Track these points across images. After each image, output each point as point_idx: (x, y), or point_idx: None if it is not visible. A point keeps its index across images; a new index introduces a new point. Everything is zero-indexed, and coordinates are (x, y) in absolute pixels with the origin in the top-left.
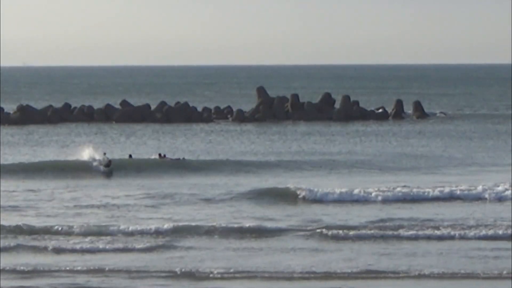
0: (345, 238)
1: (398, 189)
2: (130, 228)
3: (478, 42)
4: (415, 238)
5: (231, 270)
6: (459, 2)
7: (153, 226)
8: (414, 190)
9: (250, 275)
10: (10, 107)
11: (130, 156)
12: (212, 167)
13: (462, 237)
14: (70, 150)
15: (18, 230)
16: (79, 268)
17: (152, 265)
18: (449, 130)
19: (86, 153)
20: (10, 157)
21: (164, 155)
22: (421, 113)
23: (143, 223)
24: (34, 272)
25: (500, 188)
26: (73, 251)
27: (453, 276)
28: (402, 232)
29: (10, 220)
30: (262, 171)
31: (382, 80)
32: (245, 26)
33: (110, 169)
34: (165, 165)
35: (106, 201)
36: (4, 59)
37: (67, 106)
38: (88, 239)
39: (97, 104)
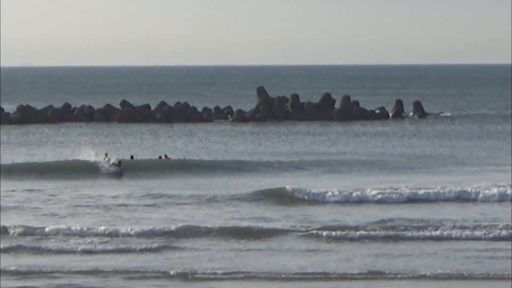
0: (342, 239)
1: (397, 189)
2: (129, 229)
3: (478, 42)
4: (414, 238)
5: (229, 271)
6: (459, 2)
7: (151, 227)
8: (413, 190)
9: (247, 276)
10: (10, 107)
11: (132, 157)
12: (211, 167)
13: (461, 238)
14: (70, 151)
15: (18, 231)
16: (79, 269)
17: (150, 266)
18: (449, 130)
19: (89, 154)
20: (10, 157)
21: (166, 156)
22: (421, 113)
23: (142, 224)
24: (34, 273)
25: (500, 189)
26: (73, 252)
27: (450, 276)
28: (400, 232)
29: (10, 220)
30: (261, 172)
31: (382, 80)
32: (245, 26)
33: (121, 169)
34: (166, 166)
35: (106, 202)
36: (4, 59)
37: (67, 106)
38: (88, 240)
39: (97, 104)
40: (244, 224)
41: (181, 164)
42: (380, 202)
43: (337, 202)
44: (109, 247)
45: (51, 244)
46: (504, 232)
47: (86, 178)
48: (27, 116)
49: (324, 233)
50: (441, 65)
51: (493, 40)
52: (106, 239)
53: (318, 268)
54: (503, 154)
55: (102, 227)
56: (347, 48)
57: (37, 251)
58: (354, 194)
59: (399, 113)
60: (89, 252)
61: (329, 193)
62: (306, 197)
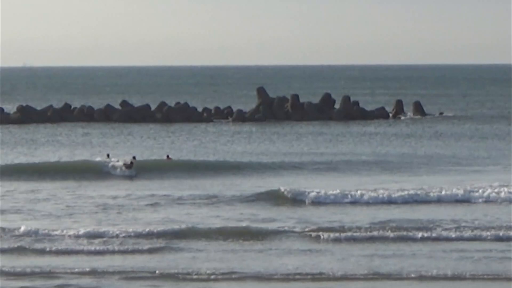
0: (339, 239)
1: (396, 190)
2: (126, 230)
3: (478, 42)
4: (413, 239)
5: (225, 271)
6: (459, 2)
7: (148, 228)
8: (411, 192)
9: (243, 276)
10: (10, 107)
11: (134, 158)
12: (211, 168)
13: (461, 239)
14: (71, 151)
15: (18, 232)
16: (78, 269)
17: (147, 266)
18: (449, 130)
19: (98, 155)
20: (10, 158)
21: (168, 156)
22: (421, 113)
23: (140, 225)
24: (34, 274)
25: (500, 189)
26: (73, 252)
27: (450, 277)
28: (399, 233)
29: (11, 221)
30: (261, 172)
31: (382, 80)
32: (245, 26)
33: (134, 170)
34: (167, 166)
35: (106, 202)
36: (4, 59)
37: (67, 106)
38: (87, 241)
39: (97, 104)
40: (241, 224)
41: (183, 165)
42: (379, 202)
43: (335, 203)
44: (108, 248)
45: (51, 245)
46: (504, 233)
47: (92, 179)
48: (27, 116)
49: (322, 234)
50: (441, 65)
51: (493, 40)
52: (105, 240)
53: (315, 268)
54: (504, 154)
55: (102, 228)
56: (347, 48)
57: (37, 252)
58: (352, 195)
59: (399, 113)
60: (87, 253)
61: (327, 194)
62: (304, 198)
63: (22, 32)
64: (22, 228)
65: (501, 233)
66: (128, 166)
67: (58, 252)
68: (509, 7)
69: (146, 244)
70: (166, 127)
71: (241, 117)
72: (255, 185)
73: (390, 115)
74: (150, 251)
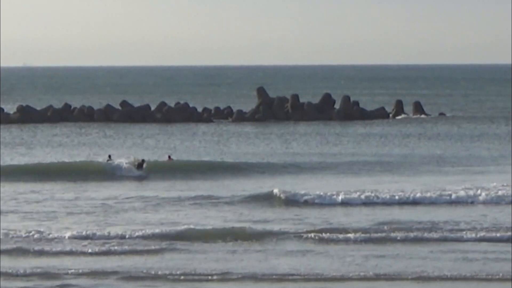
0: (337, 240)
1: (394, 191)
2: (124, 232)
3: (478, 42)
4: (412, 240)
5: (221, 272)
6: (459, 2)
7: (147, 229)
8: (410, 193)
9: (239, 277)
10: (10, 107)
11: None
12: (211, 168)
13: (461, 240)
14: (71, 151)
15: (18, 233)
16: (76, 270)
17: (146, 267)
18: (449, 131)
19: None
20: (9, 158)
21: (169, 157)
22: (421, 113)
23: (139, 226)
24: (34, 275)
25: (500, 190)
26: (72, 253)
27: (450, 277)
28: (397, 234)
29: (11, 222)
30: (260, 173)
31: (382, 80)
32: (245, 26)
33: (144, 171)
34: (169, 167)
35: (106, 204)
36: (4, 59)
37: (67, 106)
38: (88, 242)
39: (97, 104)
40: (239, 225)
41: (184, 165)
42: (379, 203)
43: (334, 204)
44: (106, 249)
45: (51, 246)
46: (504, 234)
47: (94, 180)
48: (27, 116)
49: (318, 235)
50: (441, 65)
51: (493, 40)
52: (104, 241)
53: (311, 269)
54: (504, 154)
55: (101, 229)
56: (347, 48)
57: (37, 253)
58: (351, 196)
59: (399, 113)
60: (87, 253)
61: (324, 195)
62: (301, 199)
63: (22, 32)
64: (22, 229)
65: (501, 234)
66: (140, 164)
67: (58, 253)
68: (509, 7)
69: (144, 245)
70: (166, 127)
71: (241, 117)
72: (255, 186)
73: (390, 115)
74: (148, 252)
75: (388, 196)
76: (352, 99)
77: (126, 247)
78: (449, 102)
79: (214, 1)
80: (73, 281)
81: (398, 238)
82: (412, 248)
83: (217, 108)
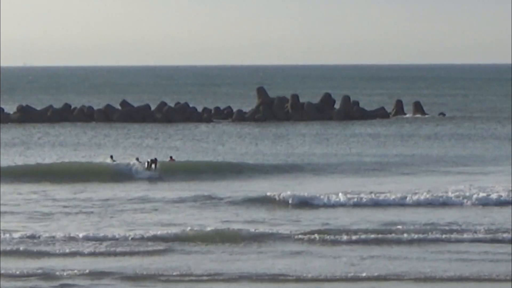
0: (334, 241)
1: (394, 192)
2: (123, 233)
3: (478, 42)
4: (410, 241)
5: (217, 273)
6: (459, 2)
7: (146, 230)
8: (409, 194)
9: (236, 278)
10: (10, 107)
11: (137, 159)
12: (211, 169)
13: (461, 241)
14: (71, 151)
15: (18, 234)
16: (75, 271)
17: (145, 268)
18: (449, 131)
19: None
20: (9, 158)
21: (171, 157)
22: (421, 113)
23: (138, 227)
24: (34, 275)
25: (500, 191)
26: (72, 254)
27: (450, 278)
28: (396, 236)
29: (11, 223)
30: (260, 174)
31: (382, 80)
32: (245, 26)
33: (157, 173)
34: (170, 168)
35: (106, 205)
36: (5, 59)
37: (67, 106)
38: (88, 243)
39: (97, 104)
40: (236, 227)
41: (186, 166)
42: (378, 204)
43: (332, 205)
44: (104, 250)
45: (50, 247)
46: (504, 235)
47: (94, 181)
48: (27, 116)
49: (315, 236)
50: (441, 65)
51: (493, 40)
52: (104, 242)
53: (308, 270)
54: (504, 155)
55: (100, 230)
56: (346, 48)
57: (37, 254)
58: (350, 197)
59: (399, 113)
60: (87, 254)
61: (323, 197)
62: (299, 201)
63: (22, 32)
64: (22, 230)
65: (501, 235)
66: (150, 165)
67: (58, 254)
68: (509, 7)
69: (142, 246)
70: (166, 127)
71: (241, 117)
72: (254, 187)
73: (390, 115)
74: (147, 253)
75: (388, 197)
76: (352, 99)
77: (124, 248)
78: (449, 102)
79: (214, 1)
80: (72, 282)
81: (394, 239)
82: (411, 249)
83: (217, 108)
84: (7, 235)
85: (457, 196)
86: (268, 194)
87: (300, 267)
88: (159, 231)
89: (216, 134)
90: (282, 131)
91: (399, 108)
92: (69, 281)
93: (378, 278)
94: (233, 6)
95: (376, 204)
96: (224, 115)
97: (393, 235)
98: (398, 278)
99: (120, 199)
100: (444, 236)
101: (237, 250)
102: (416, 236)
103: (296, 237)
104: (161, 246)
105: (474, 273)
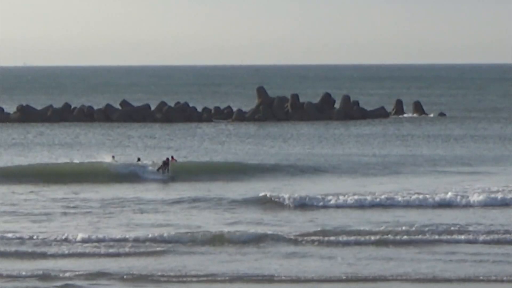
0: (333, 242)
1: (394, 193)
2: (120, 235)
3: (478, 42)
4: (410, 242)
5: (216, 274)
6: (459, 2)
7: (146, 231)
8: (409, 195)
9: (233, 278)
10: (10, 107)
11: (139, 159)
12: (213, 170)
13: (461, 241)
14: (71, 151)
15: (18, 235)
16: (74, 272)
17: (144, 268)
18: (449, 131)
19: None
20: (9, 158)
21: (172, 157)
22: (421, 113)
23: (138, 228)
24: (34, 276)
25: (500, 191)
26: (72, 255)
27: (450, 279)
28: (394, 237)
29: (11, 224)
30: (259, 174)
31: (382, 80)
32: (245, 26)
33: (168, 174)
34: (172, 168)
35: (106, 205)
36: (5, 59)
37: (67, 106)
38: (87, 244)
39: (97, 104)
40: (234, 228)
41: (187, 167)
42: (378, 205)
43: (331, 206)
44: (102, 252)
45: (50, 247)
46: (504, 236)
47: (95, 181)
48: (27, 116)
49: (313, 238)
50: (441, 65)
51: (493, 40)
52: (104, 243)
53: (304, 271)
54: (504, 155)
55: (100, 231)
56: (346, 48)
57: (37, 255)
58: (349, 199)
59: (399, 113)
60: (79, 255)
61: (322, 198)
62: (296, 203)
63: (22, 32)
64: (22, 231)
65: (500, 236)
66: (160, 168)
67: (57, 255)
68: (509, 7)
69: (141, 248)
70: (166, 127)
71: (241, 117)
72: (254, 187)
73: (390, 115)
74: (145, 254)
75: (387, 198)
76: (352, 99)
77: (123, 249)
78: (449, 102)
79: (214, 1)
80: (71, 282)
81: (393, 240)
82: (410, 250)
83: (217, 108)
84: (8, 235)
85: (457, 196)
86: (268, 195)
87: (297, 268)
88: (157, 232)
89: (216, 134)
90: (282, 131)
91: (399, 108)
92: (69, 282)
93: (377, 279)
94: (233, 6)
95: (375, 204)
96: (224, 115)
97: (392, 236)
98: (398, 279)
99: (120, 199)
100: (443, 236)
101: (235, 251)
102: (415, 237)
103: (294, 238)
104: (159, 247)
105: (473, 274)
